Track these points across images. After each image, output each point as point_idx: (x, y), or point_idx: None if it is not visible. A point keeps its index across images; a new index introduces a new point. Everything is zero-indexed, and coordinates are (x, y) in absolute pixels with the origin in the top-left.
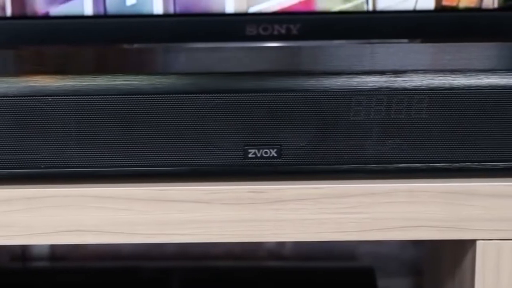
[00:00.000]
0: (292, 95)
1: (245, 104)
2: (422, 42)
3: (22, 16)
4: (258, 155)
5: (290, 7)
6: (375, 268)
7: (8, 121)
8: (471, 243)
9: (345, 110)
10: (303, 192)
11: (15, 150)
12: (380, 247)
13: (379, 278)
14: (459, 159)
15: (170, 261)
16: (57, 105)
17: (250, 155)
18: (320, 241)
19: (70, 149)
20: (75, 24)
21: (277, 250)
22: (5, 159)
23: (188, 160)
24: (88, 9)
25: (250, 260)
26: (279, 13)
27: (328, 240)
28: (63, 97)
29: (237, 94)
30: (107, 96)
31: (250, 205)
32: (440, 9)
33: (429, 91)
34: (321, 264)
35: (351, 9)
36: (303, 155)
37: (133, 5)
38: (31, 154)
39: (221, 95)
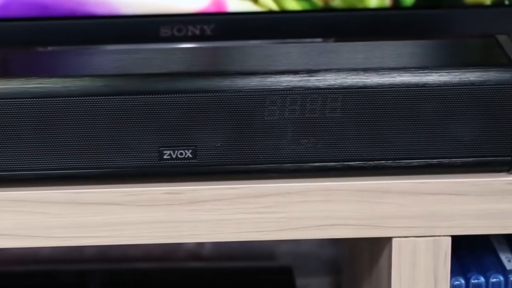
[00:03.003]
0: (207, 96)
1: (159, 106)
2: (336, 41)
3: None
4: (173, 156)
5: (203, 8)
6: (295, 267)
7: None
8: (387, 240)
9: (259, 110)
10: (219, 193)
11: None
12: (299, 246)
13: (299, 277)
14: (374, 157)
15: (89, 263)
16: None
17: (165, 157)
18: (239, 241)
19: None
20: None
21: (196, 251)
22: None
23: (103, 163)
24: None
25: (170, 261)
26: (193, 14)
27: (246, 240)
28: None
29: (151, 96)
30: (21, 100)
31: (166, 206)
32: (352, 8)
33: (343, 90)
34: (240, 264)
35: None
36: (218, 155)
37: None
38: None
39: (135, 96)
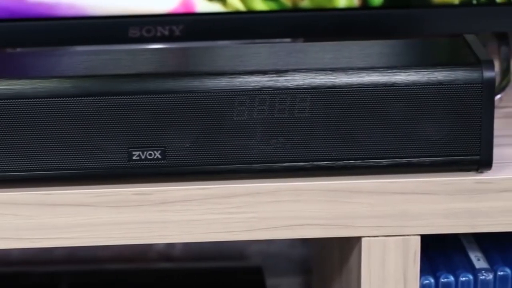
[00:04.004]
0: (176, 97)
1: (128, 107)
2: (304, 41)
3: None
4: (143, 157)
5: (172, 8)
6: (265, 267)
7: None
8: (357, 240)
9: (228, 110)
10: (188, 193)
11: None
12: (269, 246)
13: (269, 277)
14: (343, 157)
15: (59, 265)
16: None
17: (134, 158)
18: (209, 242)
19: None
20: None
21: (166, 252)
22: None
23: (73, 164)
24: None
25: (140, 262)
26: (162, 14)
27: (216, 241)
28: None
29: (120, 97)
30: None
31: (136, 207)
32: (321, 8)
33: (311, 90)
34: (210, 264)
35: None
36: (187, 156)
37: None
38: None
39: (104, 97)
